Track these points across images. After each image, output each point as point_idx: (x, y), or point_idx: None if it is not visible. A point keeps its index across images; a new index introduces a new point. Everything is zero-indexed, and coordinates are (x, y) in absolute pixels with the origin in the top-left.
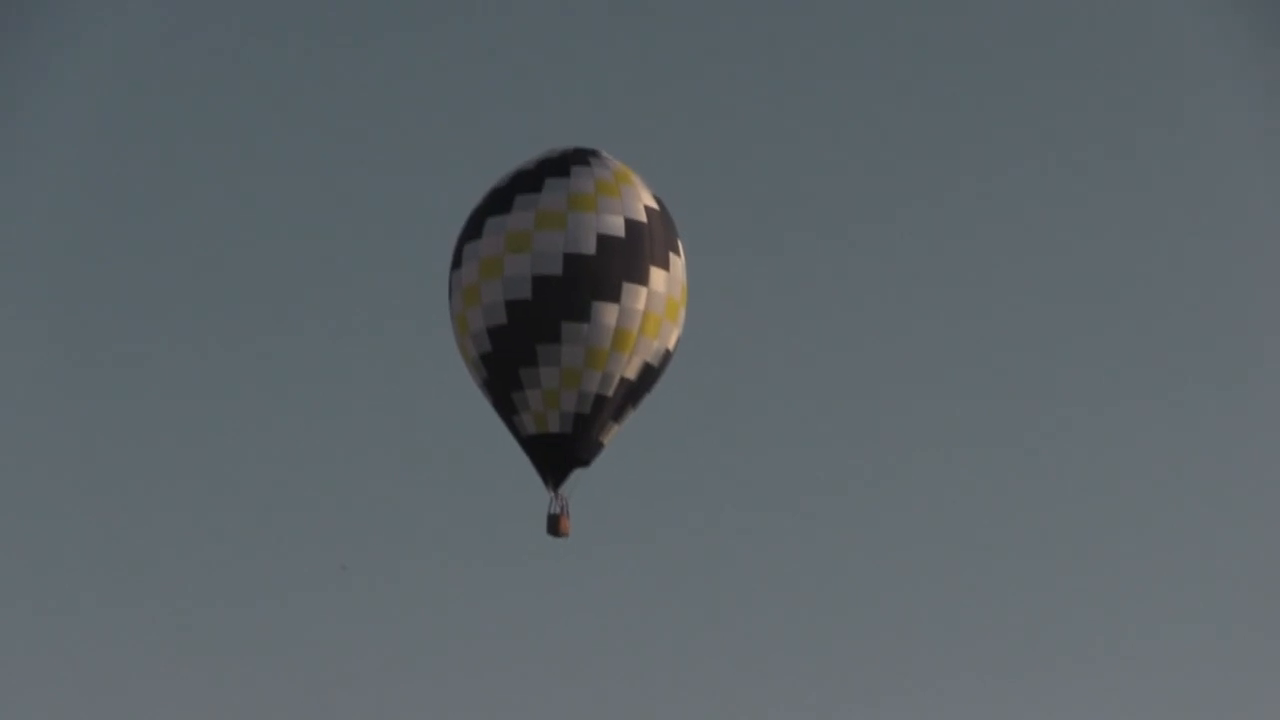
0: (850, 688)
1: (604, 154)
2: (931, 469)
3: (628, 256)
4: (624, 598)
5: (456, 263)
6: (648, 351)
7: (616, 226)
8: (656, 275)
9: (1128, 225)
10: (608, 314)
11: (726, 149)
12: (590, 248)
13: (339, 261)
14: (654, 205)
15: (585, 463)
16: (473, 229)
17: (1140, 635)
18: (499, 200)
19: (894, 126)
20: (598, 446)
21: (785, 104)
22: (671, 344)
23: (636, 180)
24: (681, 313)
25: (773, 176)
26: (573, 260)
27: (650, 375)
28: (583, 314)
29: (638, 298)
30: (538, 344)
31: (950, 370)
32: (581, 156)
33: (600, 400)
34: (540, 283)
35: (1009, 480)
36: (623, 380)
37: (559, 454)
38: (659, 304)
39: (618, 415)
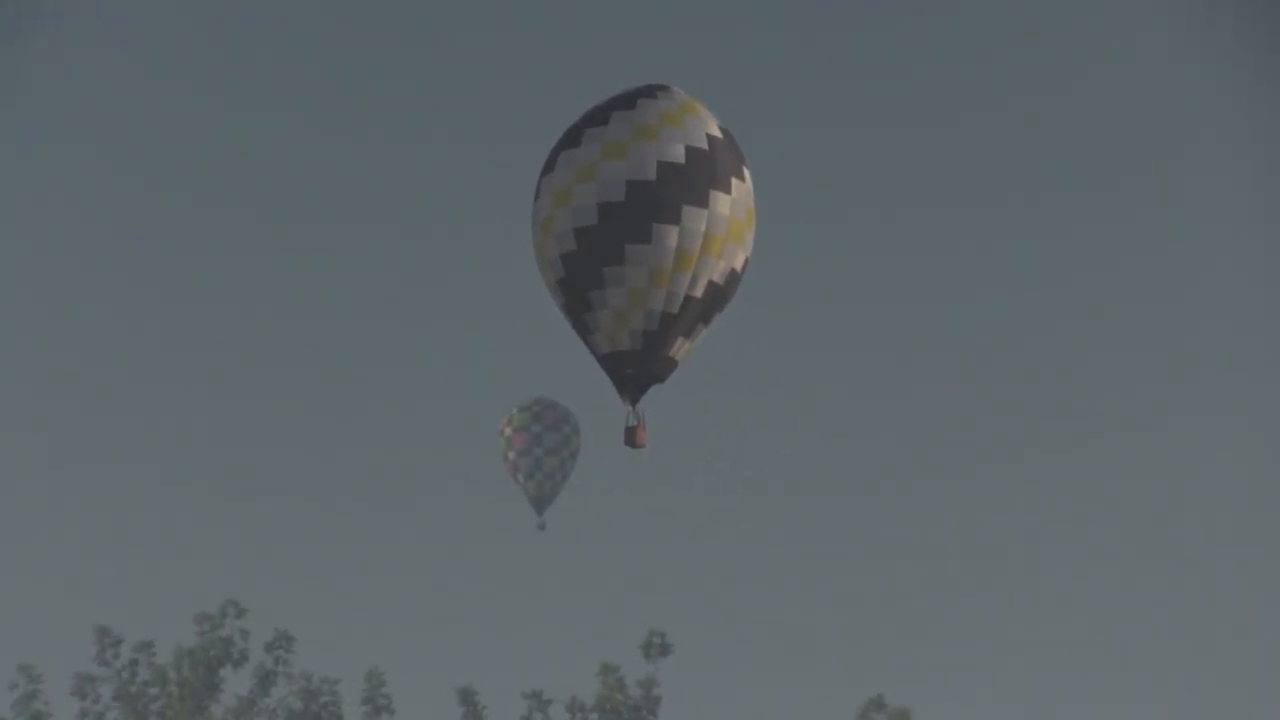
0: (928, 596)
1: (673, 88)
2: (994, 392)
3: (688, 181)
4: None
5: (536, 196)
6: (713, 271)
7: (677, 154)
8: (718, 198)
9: None
10: (669, 235)
11: (802, 85)
12: (650, 174)
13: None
14: (717, 134)
15: (660, 379)
16: (549, 164)
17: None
18: (572, 136)
19: (961, 74)
20: (670, 363)
21: (859, 50)
22: (739, 265)
23: (702, 111)
24: (748, 235)
25: (851, 114)
26: (634, 186)
27: (718, 294)
28: (644, 236)
29: (698, 219)
30: (604, 266)
31: (1003, 301)
32: (650, 91)
33: (668, 318)
34: (605, 209)
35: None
36: (689, 299)
37: (632, 370)
38: (721, 226)
39: (689, 333)
